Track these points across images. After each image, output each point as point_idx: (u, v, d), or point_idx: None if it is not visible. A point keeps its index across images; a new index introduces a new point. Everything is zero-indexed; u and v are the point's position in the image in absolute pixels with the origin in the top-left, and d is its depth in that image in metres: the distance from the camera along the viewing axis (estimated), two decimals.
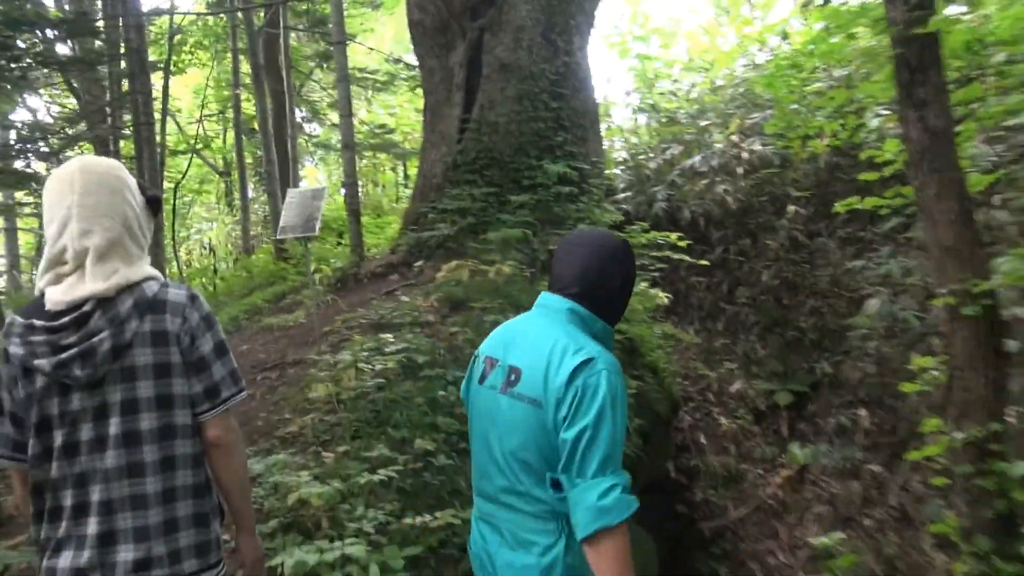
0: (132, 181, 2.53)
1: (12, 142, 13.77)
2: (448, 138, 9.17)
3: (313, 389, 5.98)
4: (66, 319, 2.28)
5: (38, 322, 2.29)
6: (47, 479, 2.31)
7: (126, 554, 2.27)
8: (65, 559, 2.28)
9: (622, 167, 11.70)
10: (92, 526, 2.27)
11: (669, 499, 9.44)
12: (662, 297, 8.48)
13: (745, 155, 10.58)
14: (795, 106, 10.07)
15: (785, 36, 12.93)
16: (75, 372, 2.25)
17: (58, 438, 2.29)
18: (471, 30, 9.11)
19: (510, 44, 9.03)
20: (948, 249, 5.44)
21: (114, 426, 2.29)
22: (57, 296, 2.31)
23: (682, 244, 8.44)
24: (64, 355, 2.25)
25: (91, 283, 2.30)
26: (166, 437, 2.35)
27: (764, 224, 11.04)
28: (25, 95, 17.50)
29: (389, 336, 6.50)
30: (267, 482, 4.88)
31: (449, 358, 6.31)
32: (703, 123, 11.32)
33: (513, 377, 2.57)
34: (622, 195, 11.00)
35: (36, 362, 2.26)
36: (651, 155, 11.76)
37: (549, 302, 2.68)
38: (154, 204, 2.60)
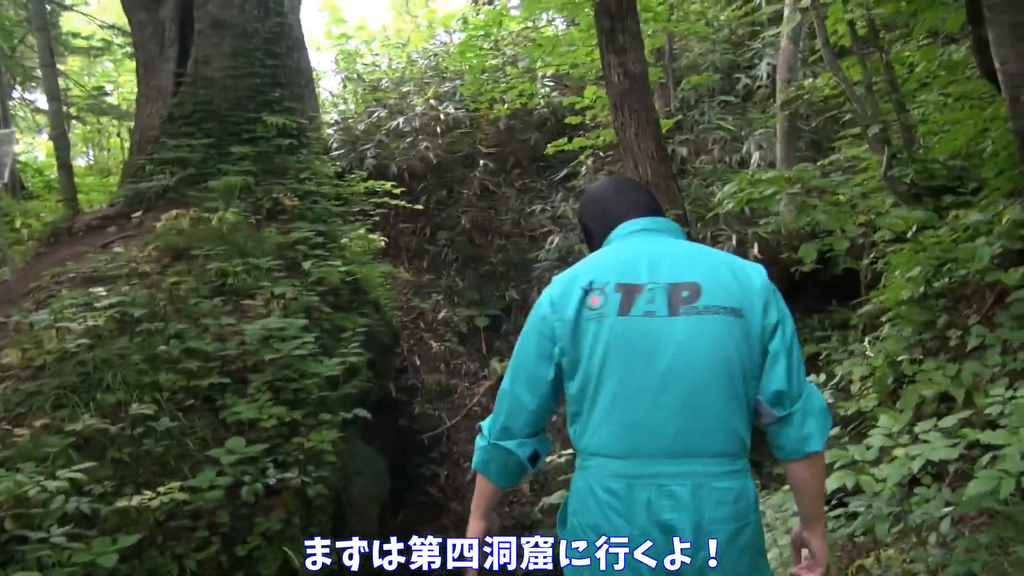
0: None
1: None
2: (163, 92, 7.08)
3: (5, 355, 4.02)
4: None
5: None
6: None
7: None
8: None
9: (334, 128, 10.06)
10: None
11: (392, 416, 8.25)
12: (378, 240, 7.12)
13: (442, 117, 9.40)
14: (483, 75, 9.03)
15: (465, 21, 11.79)
16: None
17: None
18: None
19: (222, 1, 7.08)
20: (649, 183, 4.56)
21: None
22: None
23: (396, 192, 7.09)
24: None
25: None
26: None
27: (459, 177, 10.02)
28: None
29: (101, 290, 4.62)
30: None
31: (171, 309, 4.57)
32: (404, 89, 9.95)
33: (687, 294, 1.62)
34: (335, 153, 9.42)
35: None
36: (359, 118, 10.24)
37: (661, 224, 1.81)
38: None
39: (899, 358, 3.59)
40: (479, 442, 1.83)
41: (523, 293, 9.53)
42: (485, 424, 1.84)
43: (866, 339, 4.20)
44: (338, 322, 5.55)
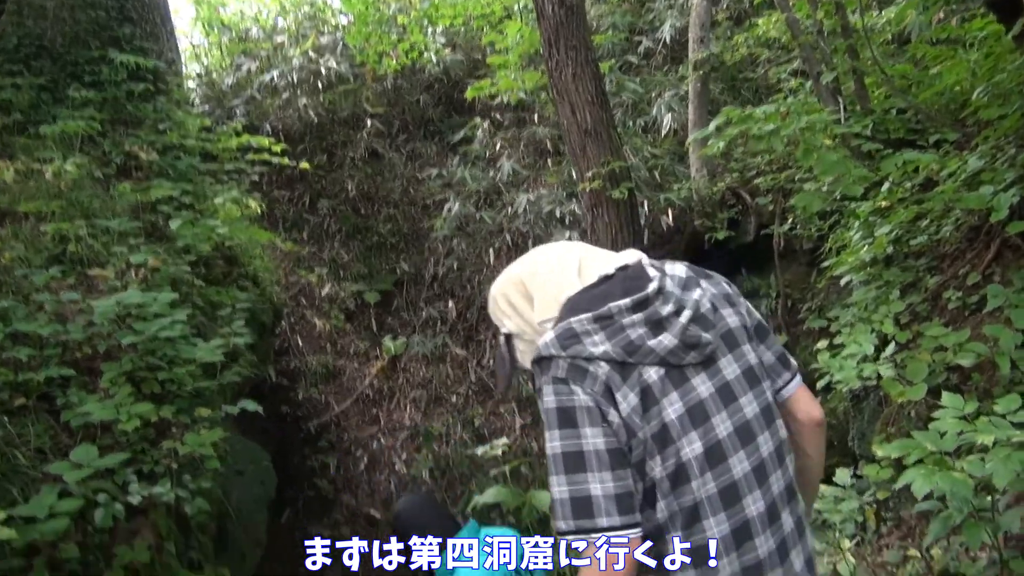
0: None
1: None
2: None
3: None
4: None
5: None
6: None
7: None
8: None
9: (196, 81, 8.83)
10: None
11: (272, 403, 7.31)
12: (256, 204, 6.16)
13: (323, 71, 8.42)
14: (369, 27, 8.13)
15: None
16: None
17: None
18: None
19: None
20: (588, 132, 3.95)
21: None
22: None
23: (277, 148, 6.11)
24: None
25: None
26: None
27: (342, 139, 9.07)
28: None
29: None
30: None
31: None
32: (278, 40, 8.85)
33: None
34: (198, 109, 8.23)
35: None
36: (226, 71, 9.06)
37: None
38: None
39: (881, 325, 3.18)
40: None
41: (416, 266, 8.77)
42: None
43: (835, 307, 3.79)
44: (213, 298, 4.63)
